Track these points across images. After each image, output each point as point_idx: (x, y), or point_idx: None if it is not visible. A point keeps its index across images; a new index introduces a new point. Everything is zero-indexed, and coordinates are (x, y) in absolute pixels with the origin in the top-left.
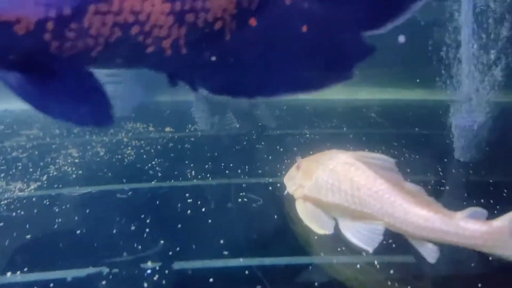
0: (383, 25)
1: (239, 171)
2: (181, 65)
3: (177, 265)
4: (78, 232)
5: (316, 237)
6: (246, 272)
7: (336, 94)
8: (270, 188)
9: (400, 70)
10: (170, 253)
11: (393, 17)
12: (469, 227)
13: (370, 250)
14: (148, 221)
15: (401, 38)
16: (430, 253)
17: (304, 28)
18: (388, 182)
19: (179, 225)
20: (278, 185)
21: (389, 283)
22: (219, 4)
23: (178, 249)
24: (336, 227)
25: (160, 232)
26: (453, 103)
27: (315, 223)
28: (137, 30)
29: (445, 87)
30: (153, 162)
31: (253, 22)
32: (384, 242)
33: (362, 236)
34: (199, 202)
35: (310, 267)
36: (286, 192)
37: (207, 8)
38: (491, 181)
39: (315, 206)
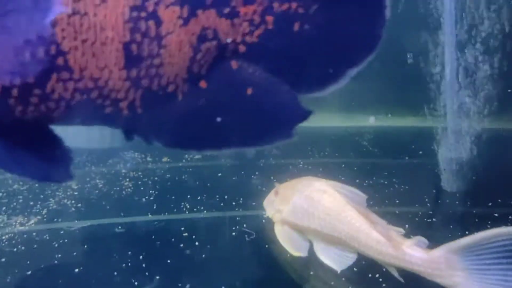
0: (323, 88)
1: (233, 203)
2: (137, 123)
3: None
4: (76, 269)
5: (312, 272)
6: None
7: (329, 121)
8: (263, 221)
9: (393, 98)
10: None
11: (332, 82)
12: (411, 254)
13: (338, 270)
14: (144, 256)
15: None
16: None
17: (249, 91)
18: (356, 209)
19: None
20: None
21: None
22: (172, 70)
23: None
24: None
25: (156, 267)
26: (441, 132)
27: (290, 245)
28: (96, 94)
29: (435, 115)
30: (151, 194)
31: (203, 84)
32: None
33: (333, 257)
34: (193, 236)
35: None
36: (265, 215)
37: (160, 74)
38: (474, 211)
39: (292, 230)
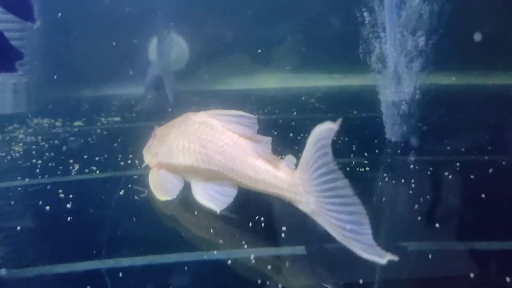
0: None
1: (136, 161)
2: None
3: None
4: None
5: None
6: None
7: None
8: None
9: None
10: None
11: None
12: (278, 176)
13: (218, 210)
14: None
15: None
16: None
17: None
18: (234, 136)
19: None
20: None
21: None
22: None
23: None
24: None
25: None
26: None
27: (159, 190)
28: None
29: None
30: (40, 158)
31: None
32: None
33: (211, 197)
34: (70, 197)
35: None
36: (144, 165)
37: None
38: (412, 159)
39: (169, 172)
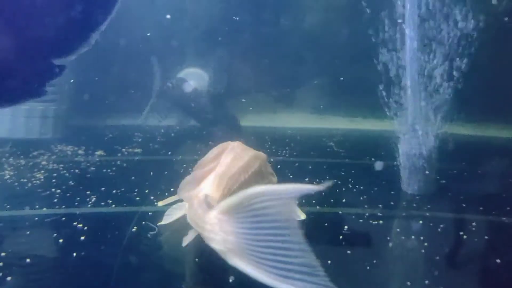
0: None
1: (152, 197)
2: None
3: None
4: None
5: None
6: None
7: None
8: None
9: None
10: None
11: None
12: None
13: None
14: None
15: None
16: None
17: None
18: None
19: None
20: None
21: None
22: None
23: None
24: None
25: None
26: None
27: None
28: None
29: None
30: (59, 187)
31: None
32: None
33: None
34: (85, 230)
35: None
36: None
37: None
38: (427, 214)
39: None
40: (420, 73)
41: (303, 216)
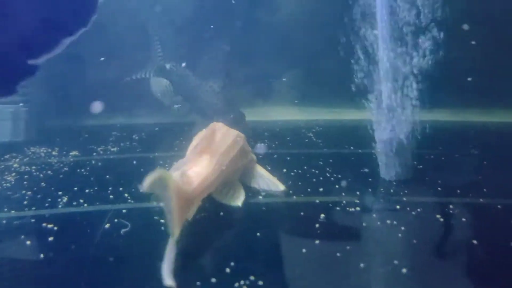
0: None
1: (126, 195)
2: None
3: None
4: None
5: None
6: None
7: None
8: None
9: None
10: None
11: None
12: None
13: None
14: None
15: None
16: None
17: None
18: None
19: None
20: None
21: None
22: None
23: None
24: None
25: None
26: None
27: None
28: None
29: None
30: (30, 189)
31: None
32: None
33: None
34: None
35: None
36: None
37: None
38: (404, 199)
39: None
40: (394, 61)
41: (282, 187)
